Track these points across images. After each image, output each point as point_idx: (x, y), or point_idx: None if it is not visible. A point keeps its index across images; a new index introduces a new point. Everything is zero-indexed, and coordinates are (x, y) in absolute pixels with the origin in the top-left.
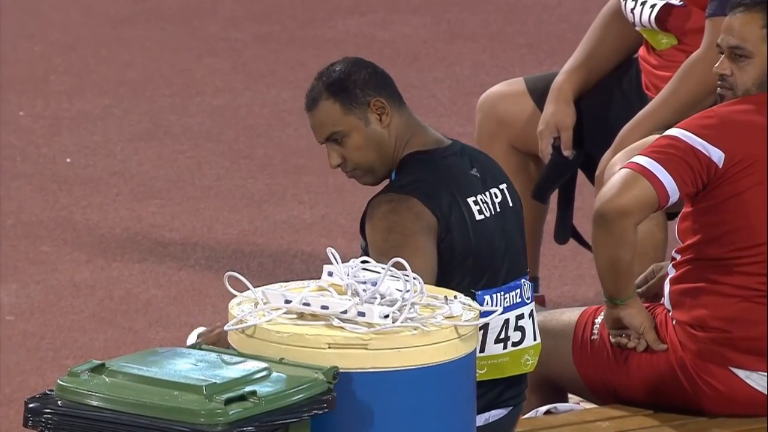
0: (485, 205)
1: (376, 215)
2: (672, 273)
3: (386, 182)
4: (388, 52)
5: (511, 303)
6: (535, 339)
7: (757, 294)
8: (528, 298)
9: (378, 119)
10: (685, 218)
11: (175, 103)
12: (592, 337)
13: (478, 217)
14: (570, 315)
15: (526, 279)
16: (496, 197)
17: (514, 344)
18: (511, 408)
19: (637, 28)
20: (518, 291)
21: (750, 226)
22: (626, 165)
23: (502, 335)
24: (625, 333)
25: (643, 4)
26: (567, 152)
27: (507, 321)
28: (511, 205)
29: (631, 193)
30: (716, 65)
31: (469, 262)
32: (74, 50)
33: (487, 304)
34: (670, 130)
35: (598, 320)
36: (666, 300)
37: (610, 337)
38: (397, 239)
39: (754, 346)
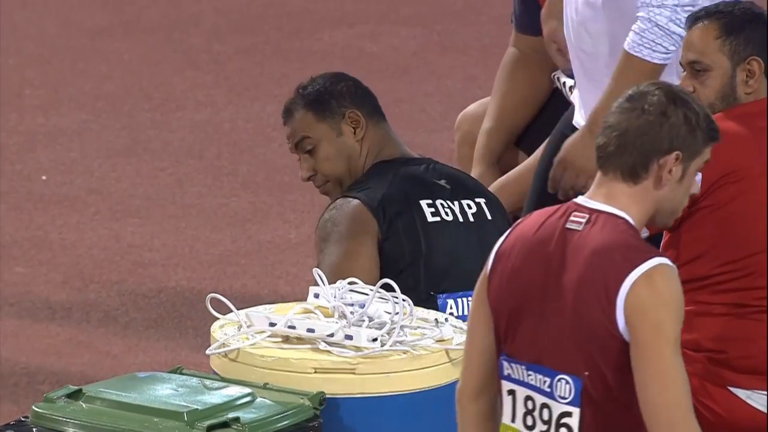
0: (447, 209)
1: (319, 224)
2: None
3: None
4: (377, 65)
5: None
6: None
7: (748, 310)
8: None
9: (352, 132)
10: (669, 245)
11: (155, 118)
12: None
13: (431, 219)
14: None
15: None
16: (469, 208)
17: None
18: None
19: None
20: None
21: (731, 239)
22: None
23: None
24: None
25: None
26: None
27: None
28: (490, 218)
29: None
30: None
31: (421, 264)
32: (50, 63)
33: (451, 308)
34: None
35: None
36: None
37: None
38: (331, 247)
39: (751, 364)
